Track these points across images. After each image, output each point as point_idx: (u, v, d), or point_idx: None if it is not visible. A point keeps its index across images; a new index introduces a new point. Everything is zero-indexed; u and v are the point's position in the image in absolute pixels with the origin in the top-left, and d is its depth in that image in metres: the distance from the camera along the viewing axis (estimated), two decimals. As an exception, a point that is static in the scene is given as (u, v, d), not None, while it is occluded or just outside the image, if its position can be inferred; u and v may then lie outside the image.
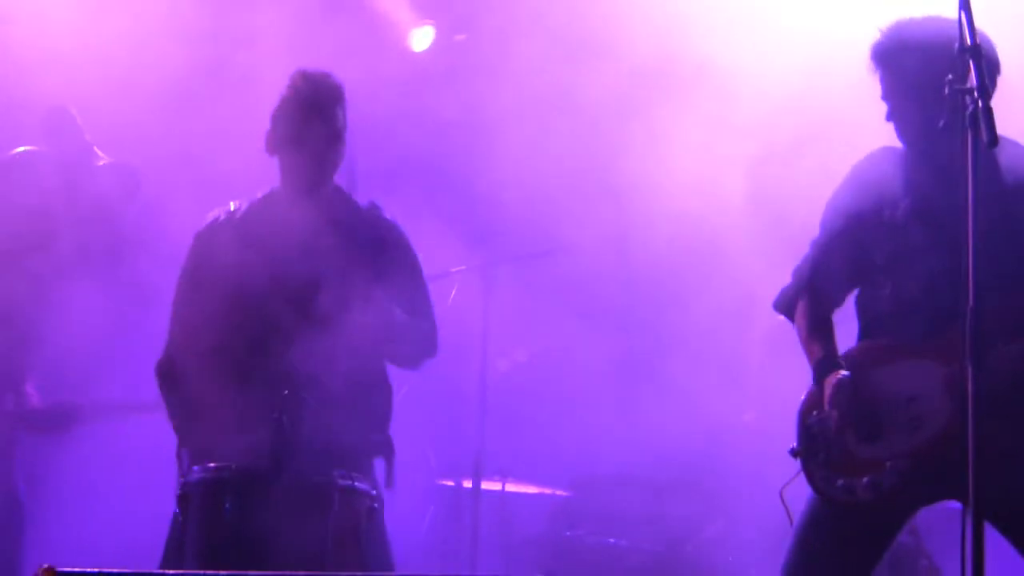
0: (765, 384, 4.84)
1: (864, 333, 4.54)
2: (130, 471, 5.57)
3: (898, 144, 4.54)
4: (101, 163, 6.21)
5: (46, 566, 3.17)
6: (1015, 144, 4.26)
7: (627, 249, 6.88)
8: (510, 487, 6.64)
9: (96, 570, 3.21)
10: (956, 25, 3.68)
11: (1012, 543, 4.16)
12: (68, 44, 6.73)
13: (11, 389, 6.00)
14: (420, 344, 5.14)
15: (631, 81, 7.15)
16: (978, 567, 3.24)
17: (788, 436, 4.48)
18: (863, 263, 4.53)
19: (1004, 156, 4.10)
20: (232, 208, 5.12)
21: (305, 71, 5.10)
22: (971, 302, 3.43)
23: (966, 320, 3.44)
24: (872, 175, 4.58)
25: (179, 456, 4.95)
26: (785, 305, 4.75)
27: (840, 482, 4.32)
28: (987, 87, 3.76)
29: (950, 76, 3.71)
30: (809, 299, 4.65)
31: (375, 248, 5.04)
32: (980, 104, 3.71)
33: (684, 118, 6.63)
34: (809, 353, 4.54)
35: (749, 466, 5.35)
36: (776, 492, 4.63)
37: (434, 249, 5.56)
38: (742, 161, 6.28)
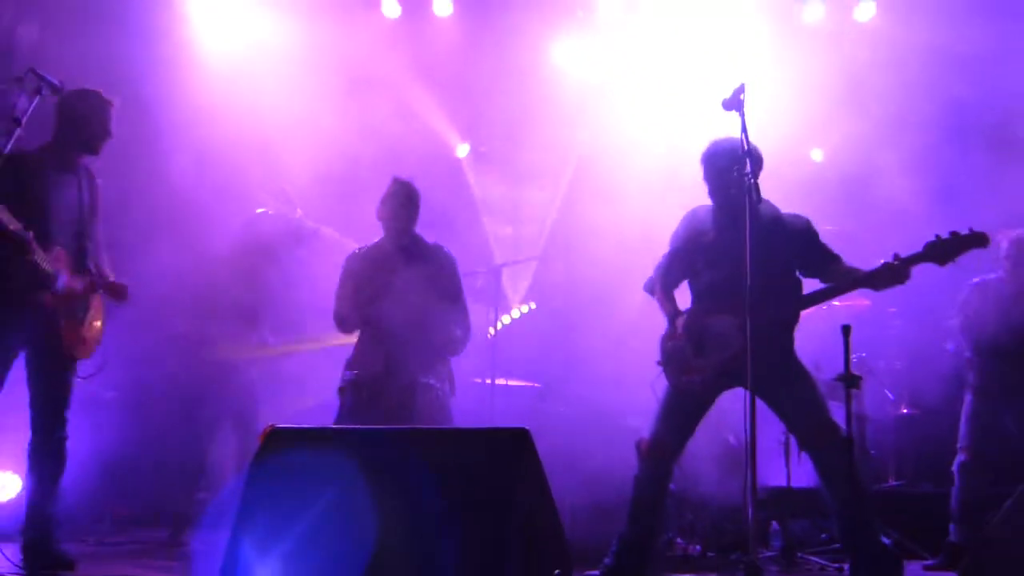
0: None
1: (695, 302, 4.63)
2: (318, 374, 5.58)
3: (709, 202, 4.61)
4: (302, 221, 6.25)
5: (270, 424, 3.17)
6: (769, 203, 4.34)
7: (577, 252, 6.77)
8: (512, 382, 6.51)
9: (301, 426, 3.23)
10: (740, 140, 3.90)
11: (770, 407, 4.33)
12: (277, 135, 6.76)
13: (256, 330, 6.06)
14: (463, 343, 5.16)
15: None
16: (753, 422, 3.59)
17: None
18: (691, 264, 4.63)
19: (764, 209, 4.16)
20: (360, 247, 5.21)
21: (398, 178, 5.14)
22: (748, 282, 3.79)
23: (746, 295, 3.79)
24: (695, 218, 4.67)
25: None
26: (649, 287, 4.79)
27: (684, 378, 4.47)
28: (756, 173, 3.97)
29: (736, 167, 3.94)
30: (661, 284, 4.71)
31: (437, 267, 5.11)
32: (751, 181, 3.91)
33: (610, 182, 6.66)
34: (665, 310, 4.65)
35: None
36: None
37: (472, 256, 5.62)
38: (638, 202, 6.28)
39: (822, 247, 4.48)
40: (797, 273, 4.49)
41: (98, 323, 4.72)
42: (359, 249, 5.23)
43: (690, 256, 4.65)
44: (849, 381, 3.47)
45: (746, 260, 3.81)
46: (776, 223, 4.40)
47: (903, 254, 4.11)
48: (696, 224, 4.66)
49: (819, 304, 4.52)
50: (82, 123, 4.57)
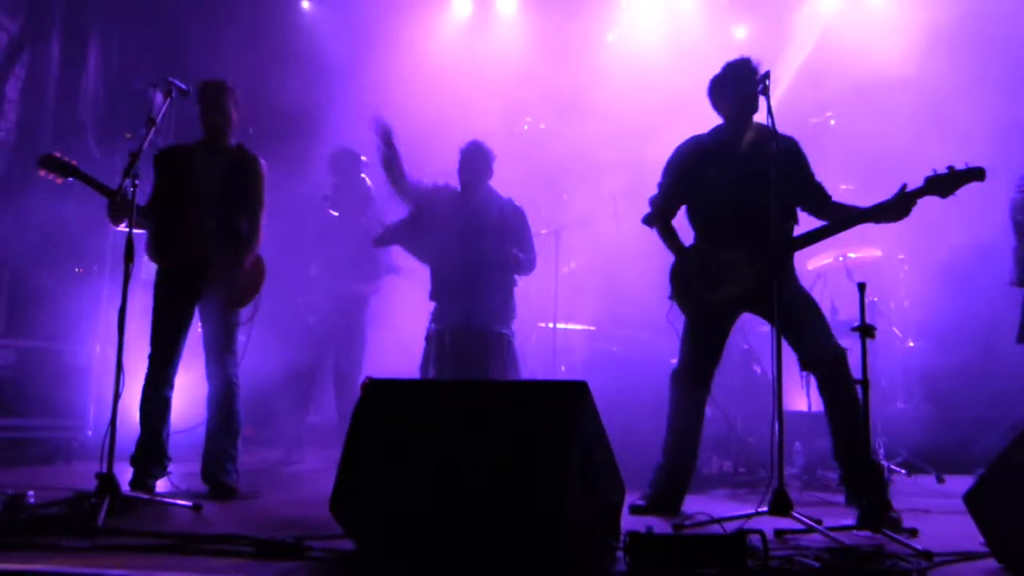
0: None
1: (700, 234, 4.24)
2: (402, 322, 5.51)
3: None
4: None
5: (367, 378, 3.13)
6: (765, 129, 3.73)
7: (623, 216, 6.53)
8: (571, 325, 6.38)
9: (395, 379, 3.18)
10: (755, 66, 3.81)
11: (784, 333, 3.84)
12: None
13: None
14: (527, 268, 5.07)
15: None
16: (779, 358, 3.41)
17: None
18: (691, 195, 4.26)
19: (764, 142, 3.68)
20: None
21: (472, 141, 5.04)
22: (773, 227, 3.57)
23: (772, 235, 3.57)
24: (695, 149, 4.25)
25: None
26: (648, 220, 4.30)
27: (700, 312, 4.12)
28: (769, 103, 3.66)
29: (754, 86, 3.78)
30: (659, 217, 4.27)
31: (510, 216, 5.01)
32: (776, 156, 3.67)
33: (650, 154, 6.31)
34: (668, 243, 4.25)
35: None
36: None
37: (536, 219, 5.47)
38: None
39: (812, 177, 4.12)
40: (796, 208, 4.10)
41: (252, 280, 4.44)
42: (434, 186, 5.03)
43: (692, 187, 4.23)
44: (865, 332, 3.34)
45: (745, 199, 3.67)
46: (779, 156, 3.67)
47: (909, 188, 3.66)
48: (698, 155, 4.23)
49: (828, 238, 3.90)
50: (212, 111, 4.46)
